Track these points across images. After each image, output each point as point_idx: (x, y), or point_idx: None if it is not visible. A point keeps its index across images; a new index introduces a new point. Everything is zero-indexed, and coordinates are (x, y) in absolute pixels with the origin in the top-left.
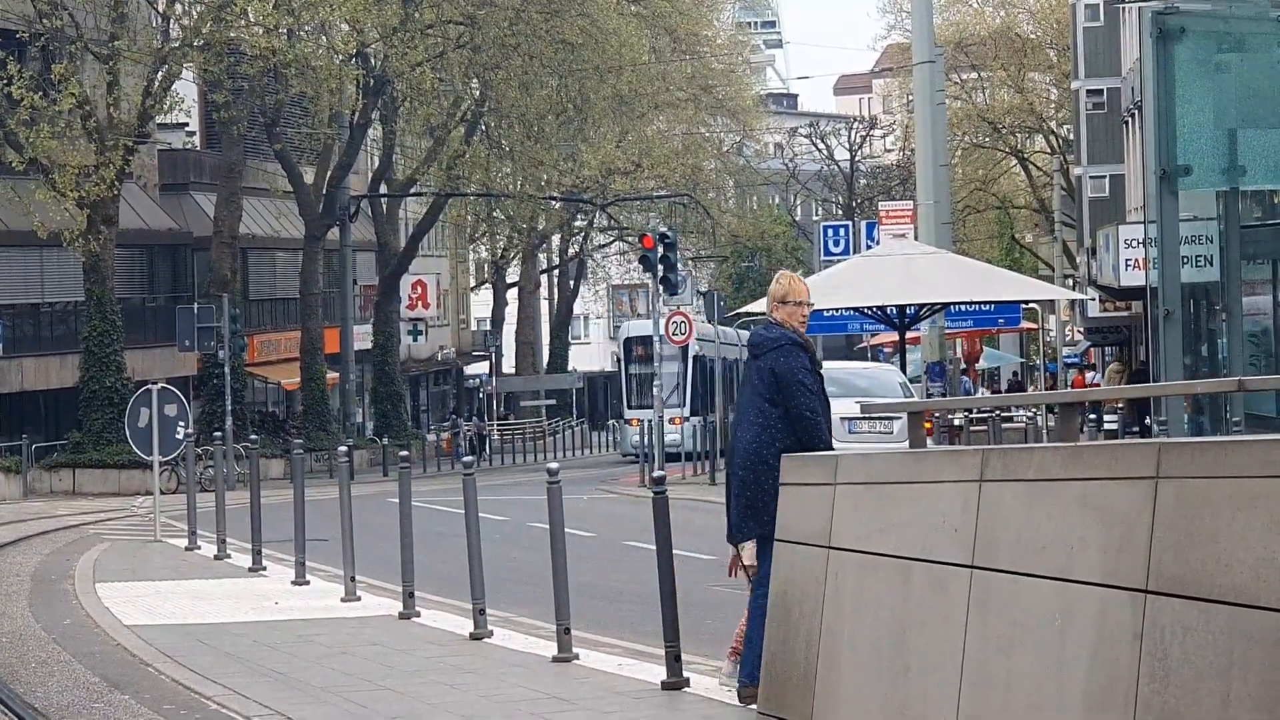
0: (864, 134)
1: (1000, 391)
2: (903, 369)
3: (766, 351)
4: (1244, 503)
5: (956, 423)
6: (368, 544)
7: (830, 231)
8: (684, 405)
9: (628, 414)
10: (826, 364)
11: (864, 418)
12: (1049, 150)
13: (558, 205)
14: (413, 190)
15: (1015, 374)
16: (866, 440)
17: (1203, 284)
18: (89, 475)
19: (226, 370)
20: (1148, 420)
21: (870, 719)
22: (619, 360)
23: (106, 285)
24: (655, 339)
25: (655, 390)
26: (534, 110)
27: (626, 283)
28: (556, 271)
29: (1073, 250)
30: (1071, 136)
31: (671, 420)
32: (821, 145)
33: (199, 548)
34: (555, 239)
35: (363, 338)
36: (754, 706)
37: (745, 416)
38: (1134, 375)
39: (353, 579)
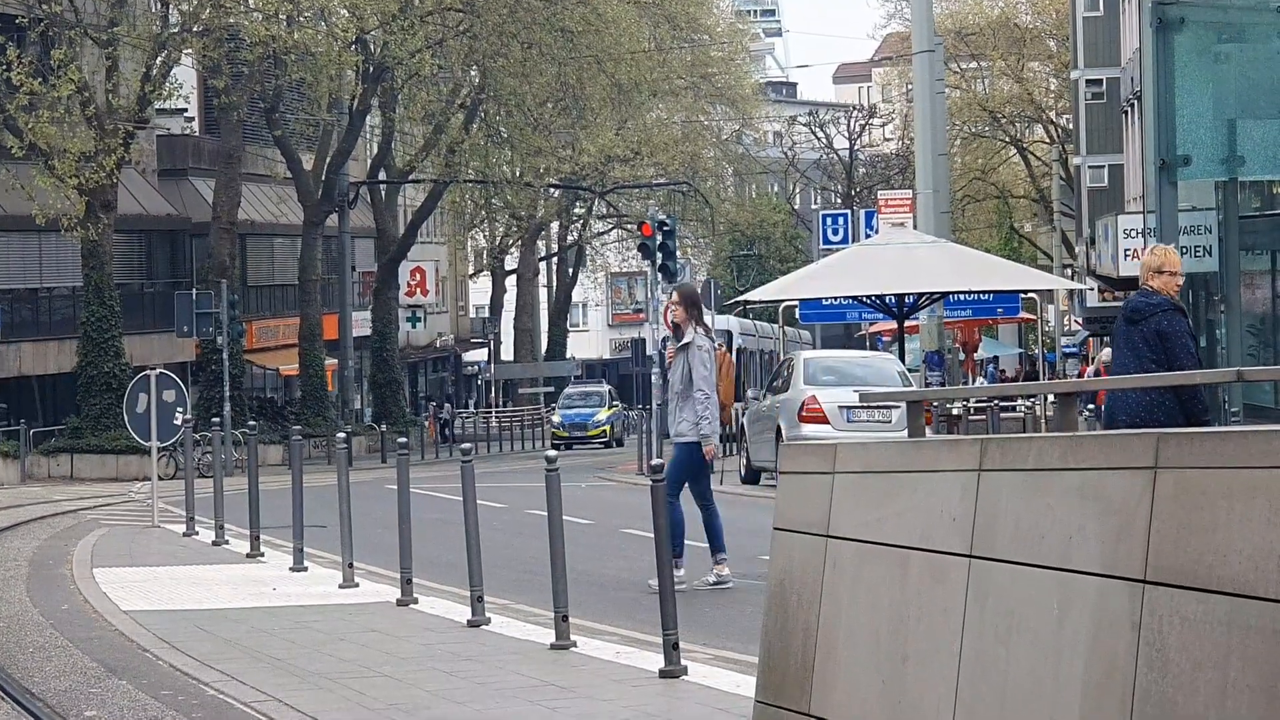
0: (863, 123)
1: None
2: (901, 358)
3: (1150, 315)
4: (1242, 493)
5: (955, 412)
6: (366, 530)
7: (829, 220)
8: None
9: None
10: (823, 353)
11: (863, 406)
12: (1048, 140)
13: (556, 193)
14: (411, 177)
15: (1033, 364)
16: (865, 429)
17: (1202, 274)
18: (87, 460)
19: (225, 356)
20: None
21: (868, 708)
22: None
23: (105, 271)
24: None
25: (654, 380)
26: (533, 97)
27: (625, 270)
28: (555, 259)
29: (1071, 240)
30: (1071, 126)
31: None
32: (821, 134)
33: (197, 533)
34: (554, 226)
35: (361, 324)
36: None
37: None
38: None
39: (351, 565)
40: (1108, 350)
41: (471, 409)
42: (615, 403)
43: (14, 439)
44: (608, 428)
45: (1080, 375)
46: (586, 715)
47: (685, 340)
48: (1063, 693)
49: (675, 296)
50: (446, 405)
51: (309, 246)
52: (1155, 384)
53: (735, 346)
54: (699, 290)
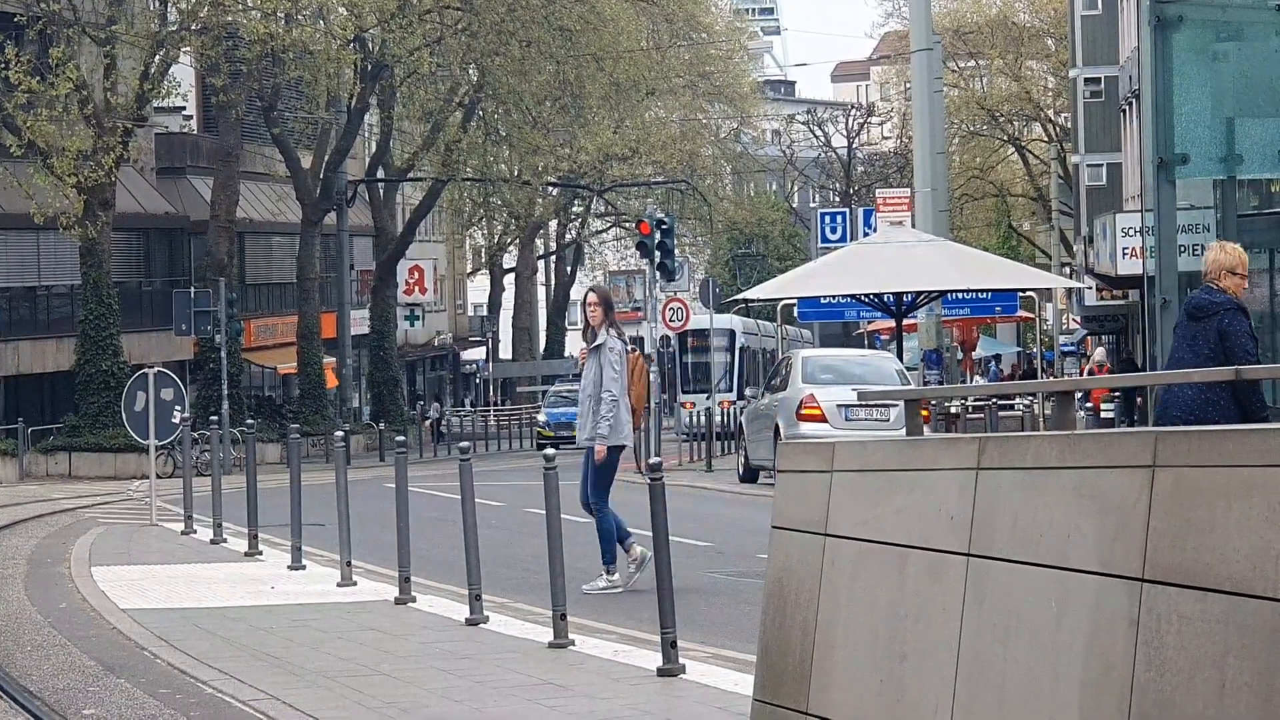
0: (861, 121)
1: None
2: (899, 356)
3: (1212, 314)
4: (1241, 492)
5: (953, 410)
6: (364, 529)
7: (827, 218)
8: (732, 390)
9: (682, 398)
10: (821, 351)
11: (861, 405)
12: (1046, 138)
13: (555, 191)
14: (410, 175)
15: (1031, 362)
16: (863, 427)
17: (1200, 273)
18: (85, 459)
19: (223, 354)
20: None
21: (866, 706)
22: (673, 350)
23: (103, 269)
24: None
25: (651, 378)
26: (531, 96)
27: (623, 269)
28: (553, 257)
29: (1070, 238)
30: (1069, 125)
31: (721, 403)
32: (819, 132)
33: (195, 532)
34: (552, 225)
35: (360, 323)
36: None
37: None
38: (1121, 365)
39: (349, 564)
40: (1101, 350)
41: (469, 407)
42: None
43: (12, 437)
44: None
45: (1080, 375)
46: (585, 714)
47: (598, 341)
48: (1061, 691)
49: (593, 297)
50: (435, 405)
51: (307, 245)
52: (1154, 382)
53: (738, 345)
54: (703, 289)
